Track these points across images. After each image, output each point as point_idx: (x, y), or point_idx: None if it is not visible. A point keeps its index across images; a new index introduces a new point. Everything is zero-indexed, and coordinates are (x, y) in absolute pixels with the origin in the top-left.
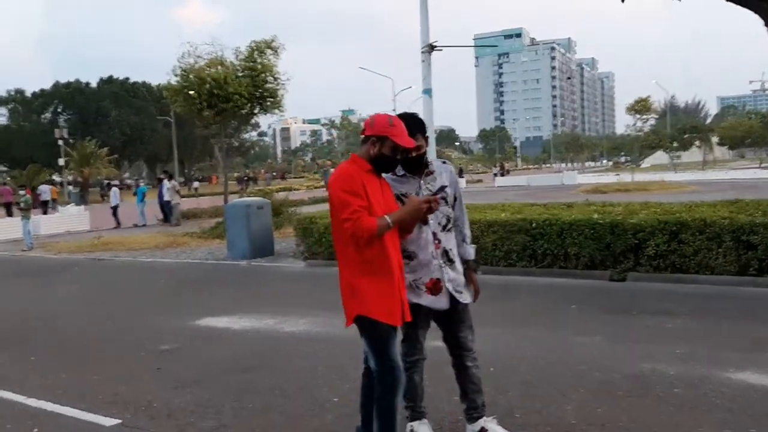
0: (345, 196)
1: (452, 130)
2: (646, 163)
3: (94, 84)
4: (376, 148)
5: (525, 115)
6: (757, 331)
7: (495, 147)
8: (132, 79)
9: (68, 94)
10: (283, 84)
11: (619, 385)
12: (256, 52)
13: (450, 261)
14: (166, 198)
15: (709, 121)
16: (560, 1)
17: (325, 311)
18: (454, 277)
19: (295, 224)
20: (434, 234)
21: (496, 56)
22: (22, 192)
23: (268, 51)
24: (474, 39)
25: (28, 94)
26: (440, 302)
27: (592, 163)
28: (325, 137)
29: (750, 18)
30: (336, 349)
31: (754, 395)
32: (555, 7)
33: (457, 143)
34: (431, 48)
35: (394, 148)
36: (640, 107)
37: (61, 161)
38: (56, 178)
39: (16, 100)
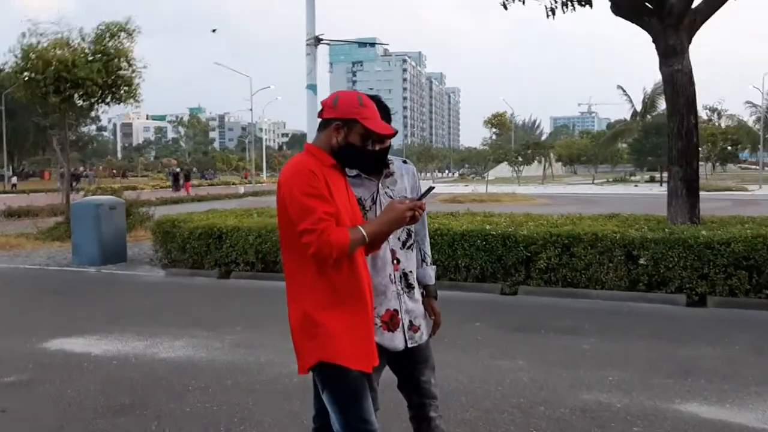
0: (306, 201)
1: (305, 135)
2: (491, 175)
3: None
4: (341, 135)
5: None
6: (676, 353)
7: None
8: None
9: None
10: (139, 71)
11: (573, 424)
12: (107, 35)
13: (409, 287)
14: None
15: (543, 138)
16: (410, 16)
17: (203, 331)
18: (412, 307)
19: (153, 227)
20: (392, 252)
21: (350, 64)
22: None
23: (122, 34)
24: (329, 45)
25: None
26: (396, 340)
27: (439, 174)
28: (170, 135)
29: (576, 46)
30: (229, 382)
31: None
32: (405, 22)
33: None
34: (317, 41)
35: (364, 135)
36: (497, 121)
37: None
38: None
39: None
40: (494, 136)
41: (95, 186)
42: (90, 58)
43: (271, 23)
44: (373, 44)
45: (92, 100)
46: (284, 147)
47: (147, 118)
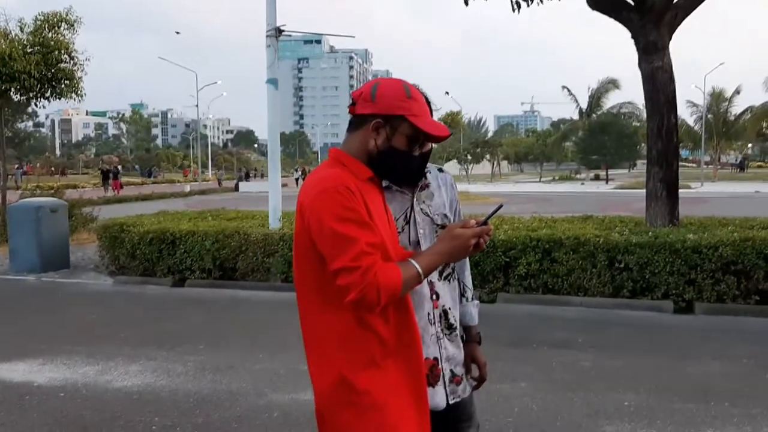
0: (343, 229)
1: (251, 131)
2: None
3: None
4: (383, 137)
5: (324, 121)
6: (685, 370)
7: (295, 151)
8: None
9: None
10: (81, 64)
11: None
12: (46, 26)
13: (449, 327)
14: None
15: (488, 137)
16: (357, 13)
17: (162, 350)
18: (453, 353)
19: (99, 232)
20: (431, 285)
21: (295, 60)
22: None
23: (63, 25)
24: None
25: None
26: (438, 397)
27: None
28: (111, 131)
29: (520, 45)
30: (199, 420)
31: None
32: (352, 18)
33: (255, 145)
34: (278, 32)
35: (412, 137)
36: (450, 120)
37: None
38: None
39: None
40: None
41: (33, 184)
42: (28, 50)
43: (221, 18)
44: (318, 41)
45: (30, 95)
46: (229, 144)
47: (87, 114)
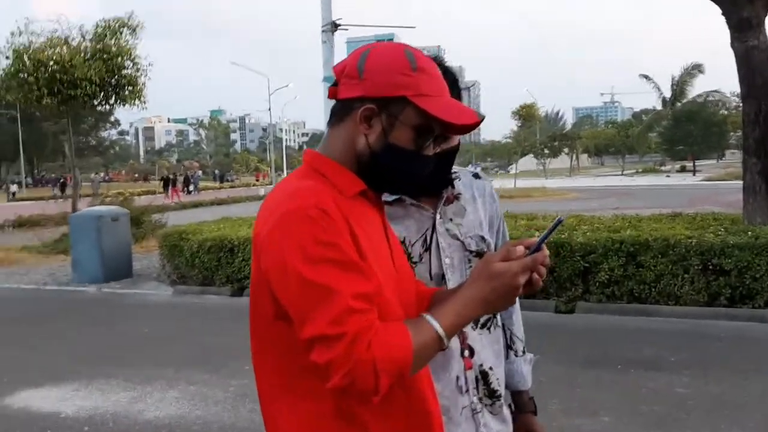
0: (317, 274)
1: (323, 133)
2: (515, 168)
3: None
4: (376, 130)
5: None
6: None
7: None
8: None
9: None
10: (144, 70)
11: None
12: (108, 32)
13: (492, 395)
14: None
15: (566, 129)
16: (428, 10)
17: (205, 373)
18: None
19: (160, 240)
20: (462, 337)
21: None
22: None
23: (125, 30)
24: (347, 43)
25: None
26: None
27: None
28: (192, 138)
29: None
30: None
31: None
32: (423, 16)
33: None
34: (334, 26)
35: (422, 128)
36: (525, 112)
37: None
38: None
39: None
40: (517, 128)
41: (114, 191)
42: (89, 57)
43: (289, 17)
44: (390, 40)
45: (94, 102)
46: (304, 146)
47: (169, 122)
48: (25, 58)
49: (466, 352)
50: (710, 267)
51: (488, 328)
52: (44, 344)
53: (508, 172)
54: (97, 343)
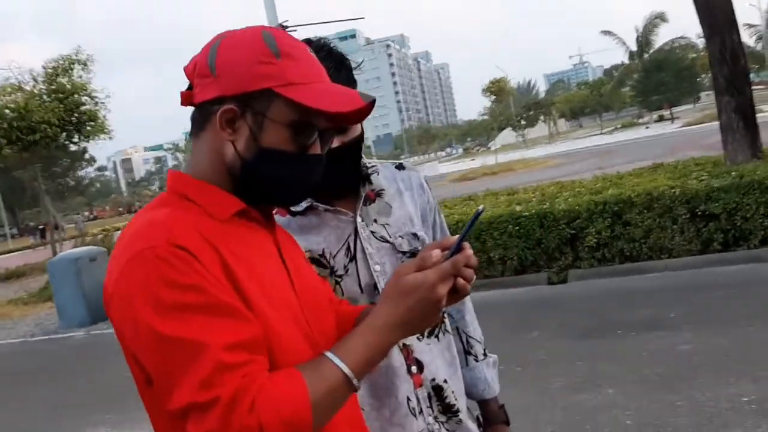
0: (175, 326)
1: None
2: (496, 144)
3: None
4: (243, 135)
5: (373, 114)
6: None
7: None
8: None
9: None
10: (102, 103)
11: None
12: (59, 71)
13: (448, 410)
14: None
15: (541, 97)
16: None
17: None
18: None
19: None
20: (406, 351)
21: None
22: None
23: (76, 66)
24: (294, 32)
25: None
26: None
27: (442, 153)
28: (171, 163)
29: None
30: None
31: None
32: (380, 7)
33: None
34: (283, 28)
35: (297, 124)
36: (496, 88)
37: None
38: None
39: None
40: (493, 105)
41: (99, 229)
42: (45, 99)
43: (236, 23)
44: (353, 36)
45: (56, 143)
46: None
47: (145, 150)
48: None
49: (414, 368)
50: (698, 214)
51: (436, 336)
52: (27, 401)
53: (489, 148)
54: (84, 391)
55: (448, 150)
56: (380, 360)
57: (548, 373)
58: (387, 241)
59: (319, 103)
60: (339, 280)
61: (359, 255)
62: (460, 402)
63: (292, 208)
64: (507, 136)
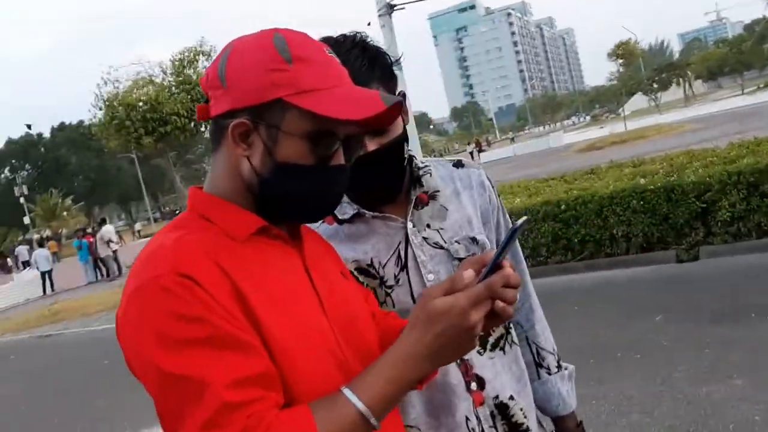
0: (179, 363)
1: (424, 114)
2: (626, 110)
3: (47, 134)
4: (258, 150)
5: (494, 85)
6: None
7: (469, 123)
8: (86, 122)
9: (21, 149)
10: None
11: None
12: (186, 63)
13: (516, 429)
14: (42, 268)
15: (675, 58)
16: None
17: None
18: None
19: None
20: (465, 367)
21: (454, 32)
22: None
23: (200, 58)
24: (429, 19)
25: None
26: None
27: (569, 122)
28: None
29: None
30: None
31: None
32: None
33: (431, 126)
34: (390, 8)
35: (313, 135)
36: (623, 51)
37: (26, 219)
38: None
39: None
40: (621, 69)
41: None
42: (174, 91)
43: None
44: (472, 7)
45: (186, 133)
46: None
47: None
48: (116, 104)
49: (474, 385)
50: None
51: (501, 349)
52: None
53: (619, 115)
54: None
55: (574, 118)
56: (404, 394)
57: (671, 362)
58: (441, 248)
59: (334, 110)
60: (389, 291)
61: (411, 263)
62: (530, 420)
63: (339, 216)
64: (638, 101)
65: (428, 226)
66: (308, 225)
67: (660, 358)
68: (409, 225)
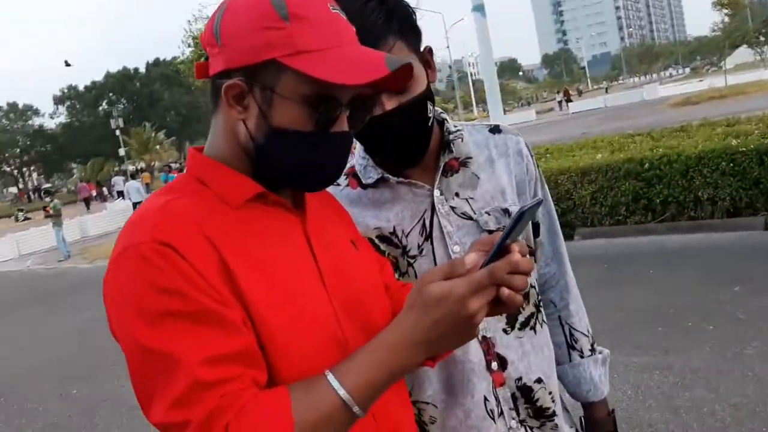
0: (155, 337)
1: (513, 60)
2: (728, 63)
3: (143, 69)
4: (252, 113)
5: (589, 32)
6: None
7: (561, 71)
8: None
9: (118, 83)
10: None
11: None
12: None
13: (542, 416)
14: (134, 199)
15: None
16: None
17: None
18: None
19: None
20: (487, 344)
21: None
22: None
23: None
24: None
25: (81, 88)
26: None
27: (666, 73)
28: None
29: None
30: None
31: None
32: None
33: (520, 73)
34: None
35: (311, 99)
36: (728, 0)
37: (122, 151)
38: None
39: (71, 96)
40: (726, 19)
41: None
42: None
43: None
44: None
45: None
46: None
47: None
48: None
49: (495, 364)
50: None
51: (532, 328)
52: None
53: (721, 68)
54: None
55: (672, 70)
56: (394, 381)
57: (744, 336)
58: (470, 218)
59: (330, 73)
60: (412, 261)
61: (436, 233)
62: (557, 404)
63: (363, 180)
64: (743, 54)
65: (457, 194)
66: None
67: (733, 331)
68: (436, 192)
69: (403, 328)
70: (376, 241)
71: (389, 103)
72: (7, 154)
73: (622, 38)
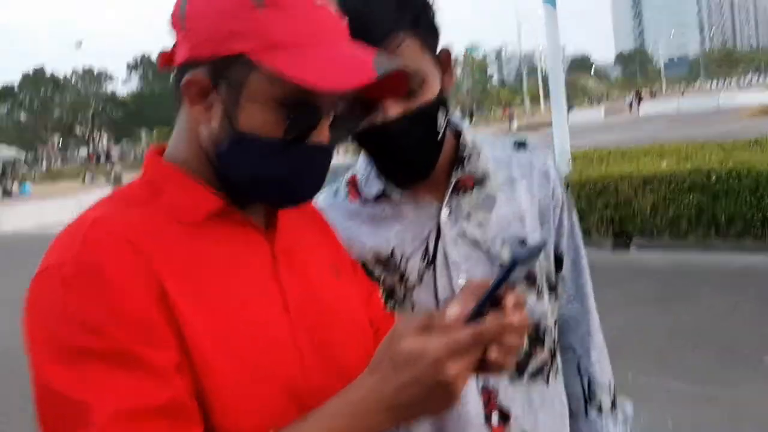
0: (65, 377)
1: (586, 57)
2: None
3: None
4: (216, 113)
5: (668, 33)
6: None
7: (635, 70)
8: None
9: None
10: None
11: None
12: None
13: None
14: None
15: None
16: None
17: None
18: None
19: None
20: (487, 394)
21: None
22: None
23: None
24: None
25: (153, 58)
26: None
27: (746, 80)
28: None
29: None
30: None
31: None
32: None
33: (592, 71)
34: None
35: (283, 101)
36: None
37: None
38: None
39: (144, 64)
40: None
41: None
42: None
43: None
44: None
45: None
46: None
47: None
48: None
49: (495, 418)
50: None
51: (545, 379)
52: None
53: None
54: None
55: (754, 78)
56: None
57: None
58: (478, 247)
59: (306, 74)
60: (410, 291)
61: (439, 260)
62: None
63: (364, 191)
64: None
65: (468, 216)
66: (315, 201)
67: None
68: (444, 211)
69: (366, 389)
70: (369, 266)
71: (393, 109)
72: (79, 118)
73: (703, 41)
